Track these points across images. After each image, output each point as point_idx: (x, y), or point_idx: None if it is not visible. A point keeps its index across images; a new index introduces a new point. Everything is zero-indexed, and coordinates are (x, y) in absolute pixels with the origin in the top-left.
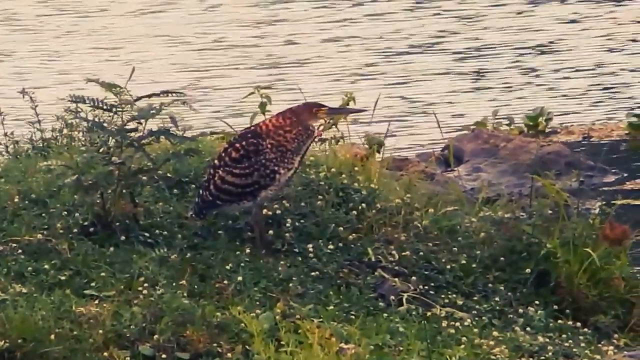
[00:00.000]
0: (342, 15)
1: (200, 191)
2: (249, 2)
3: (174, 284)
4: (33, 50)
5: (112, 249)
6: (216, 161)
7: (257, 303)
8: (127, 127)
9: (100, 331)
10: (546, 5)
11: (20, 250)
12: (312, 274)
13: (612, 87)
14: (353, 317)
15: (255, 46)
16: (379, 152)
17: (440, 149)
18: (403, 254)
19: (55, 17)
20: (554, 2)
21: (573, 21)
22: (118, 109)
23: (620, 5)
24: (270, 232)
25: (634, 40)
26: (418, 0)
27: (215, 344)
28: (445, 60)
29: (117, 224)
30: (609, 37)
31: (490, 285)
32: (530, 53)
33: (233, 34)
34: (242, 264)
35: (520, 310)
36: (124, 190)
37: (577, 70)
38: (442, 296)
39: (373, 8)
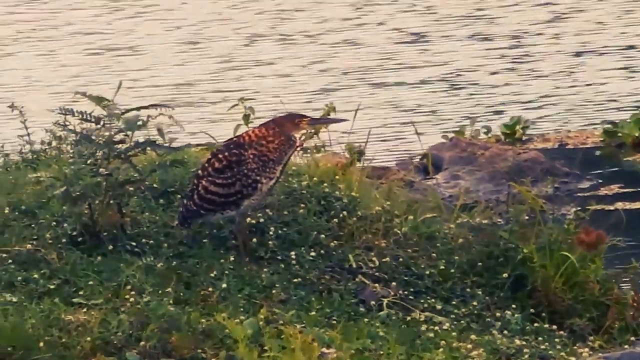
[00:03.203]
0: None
1: (185, 201)
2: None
3: (160, 292)
4: None
5: (99, 258)
6: (200, 171)
7: (241, 309)
8: (114, 139)
9: (88, 338)
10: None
11: (10, 260)
12: (295, 280)
13: (580, 94)
14: (335, 322)
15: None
16: (359, 161)
17: (419, 157)
18: (383, 260)
19: None
20: None
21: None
22: (106, 122)
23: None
24: (254, 240)
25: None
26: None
27: (200, 350)
28: (420, 73)
29: (105, 233)
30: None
31: (468, 289)
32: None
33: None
34: (227, 272)
35: (498, 314)
36: (111, 201)
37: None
38: (422, 301)
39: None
